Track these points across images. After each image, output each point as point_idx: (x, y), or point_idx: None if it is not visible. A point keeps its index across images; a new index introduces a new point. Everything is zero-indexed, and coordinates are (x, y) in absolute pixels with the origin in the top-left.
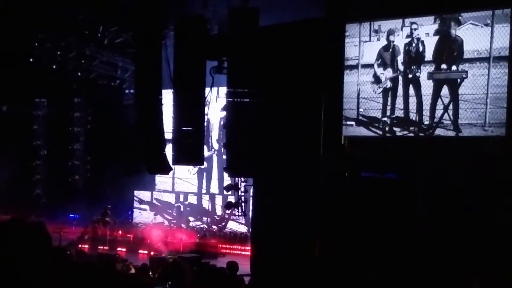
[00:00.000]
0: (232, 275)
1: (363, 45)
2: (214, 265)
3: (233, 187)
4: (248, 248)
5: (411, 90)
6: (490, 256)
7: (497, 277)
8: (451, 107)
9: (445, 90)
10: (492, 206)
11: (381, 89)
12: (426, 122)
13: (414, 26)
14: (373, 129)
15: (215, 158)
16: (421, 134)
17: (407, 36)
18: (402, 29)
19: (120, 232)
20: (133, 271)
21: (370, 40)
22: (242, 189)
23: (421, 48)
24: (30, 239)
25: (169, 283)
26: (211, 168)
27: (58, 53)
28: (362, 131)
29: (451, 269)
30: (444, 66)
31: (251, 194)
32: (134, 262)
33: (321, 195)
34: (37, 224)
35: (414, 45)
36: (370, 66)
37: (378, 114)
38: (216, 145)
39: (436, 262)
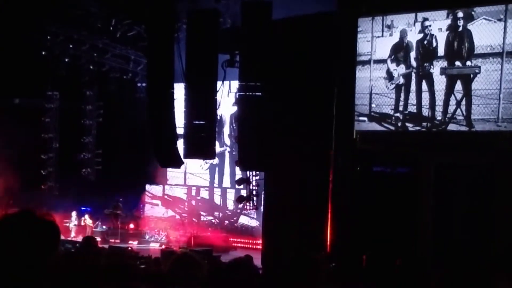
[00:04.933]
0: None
1: (375, 40)
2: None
3: (245, 181)
4: (259, 242)
5: (424, 86)
6: (504, 251)
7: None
8: (463, 102)
9: (458, 86)
10: (505, 201)
11: (393, 85)
12: (439, 118)
13: (428, 22)
14: (386, 124)
15: (227, 153)
16: (434, 130)
17: (420, 32)
18: (414, 25)
19: (131, 225)
20: None
21: (382, 36)
22: (254, 183)
23: (434, 44)
24: (40, 230)
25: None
26: (223, 163)
27: (71, 46)
28: (375, 127)
29: (462, 263)
30: (457, 61)
31: (263, 188)
32: (145, 255)
33: (332, 190)
34: (46, 216)
35: (427, 40)
36: (383, 61)
37: (391, 110)
38: (228, 141)
39: (447, 255)
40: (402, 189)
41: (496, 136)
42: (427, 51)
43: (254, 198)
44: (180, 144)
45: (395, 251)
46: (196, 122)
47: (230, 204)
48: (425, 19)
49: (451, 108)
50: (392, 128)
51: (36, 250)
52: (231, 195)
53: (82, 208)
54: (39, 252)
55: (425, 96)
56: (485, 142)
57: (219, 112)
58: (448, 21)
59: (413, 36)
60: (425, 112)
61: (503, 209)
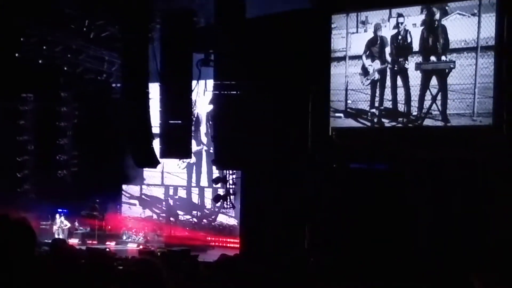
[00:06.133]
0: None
1: (350, 36)
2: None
3: (222, 180)
4: (237, 240)
5: (399, 81)
6: (480, 244)
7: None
8: (439, 97)
9: (433, 81)
10: (481, 194)
11: (369, 81)
12: (415, 113)
13: (402, 18)
14: (362, 120)
15: (204, 152)
16: (409, 125)
17: (394, 27)
18: (389, 20)
19: (108, 226)
20: None
21: (357, 32)
22: (231, 181)
23: (408, 39)
24: (15, 234)
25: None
26: (201, 162)
27: (44, 47)
28: (351, 123)
29: (442, 259)
30: (431, 56)
31: (240, 186)
32: (123, 255)
33: (309, 187)
34: (22, 220)
35: (401, 36)
36: (358, 57)
37: (367, 106)
38: (205, 140)
39: (426, 251)
40: (379, 185)
41: (471, 131)
42: (401, 46)
43: (231, 196)
44: (156, 144)
45: (373, 247)
46: (172, 121)
47: (208, 203)
48: (399, 15)
49: (427, 103)
50: (368, 124)
51: (11, 254)
52: (208, 194)
53: (59, 210)
54: (14, 256)
55: (401, 91)
56: (461, 136)
57: (195, 111)
58: (422, 17)
59: (388, 32)
60: (401, 107)
61: (481, 202)
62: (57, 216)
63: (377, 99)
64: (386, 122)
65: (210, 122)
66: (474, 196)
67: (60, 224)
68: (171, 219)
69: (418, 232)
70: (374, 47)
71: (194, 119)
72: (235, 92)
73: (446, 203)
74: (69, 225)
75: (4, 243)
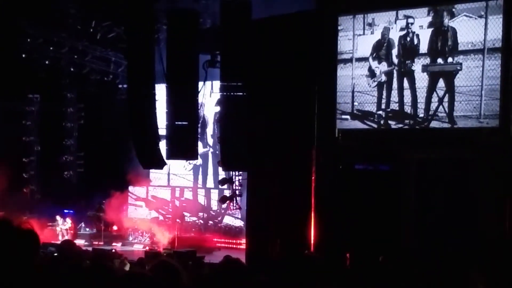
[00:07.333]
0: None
1: (357, 38)
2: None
3: (228, 181)
4: (243, 242)
5: (406, 83)
6: (485, 245)
7: (494, 269)
8: (446, 99)
9: (440, 83)
10: (487, 196)
11: (375, 83)
12: (421, 115)
13: (409, 20)
14: (368, 122)
15: (210, 154)
16: (416, 127)
17: (401, 29)
18: (396, 22)
19: (115, 227)
20: (128, 266)
21: (364, 34)
22: (237, 183)
23: (415, 41)
24: (18, 240)
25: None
26: (207, 163)
27: (51, 48)
28: (357, 125)
29: (445, 260)
30: (438, 58)
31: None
32: (129, 256)
33: (315, 188)
34: (25, 225)
35: (408, 38)
36: (364, 59)
37: (373, 108)
38: (211, 141)
39: (428, 251)
40: (385, 186)
41: (478, 132)
42: (408, 48)
43: (238, 198)
44: (163, 145)
45: (379, 248)
46: (178, 123)
47: (214, 205)
48: (406, 17)
49: (434, 105)
50: (375, 126)
51: (14, 259)
52: (215, 195)
53: (65, 211)
54: (16, 261)
55: (407, 93)
56: (467, 138)
57: (202, 112)
58: (429, 19)
59: (395, 34)
60: (408, 109)
61: (486, 205)
62: (58, 217)
63: (383, 101)
64: (393, 124)
65: (217, 124)
66: (476, 197)
67: (62, 225)
68: (177, 220)
69: (420, 232)
70: (381, 49)
71: (200, 120)
72: (241, 94)
73: (449, 204)
74: (69, 225)
75: (7, 249)
